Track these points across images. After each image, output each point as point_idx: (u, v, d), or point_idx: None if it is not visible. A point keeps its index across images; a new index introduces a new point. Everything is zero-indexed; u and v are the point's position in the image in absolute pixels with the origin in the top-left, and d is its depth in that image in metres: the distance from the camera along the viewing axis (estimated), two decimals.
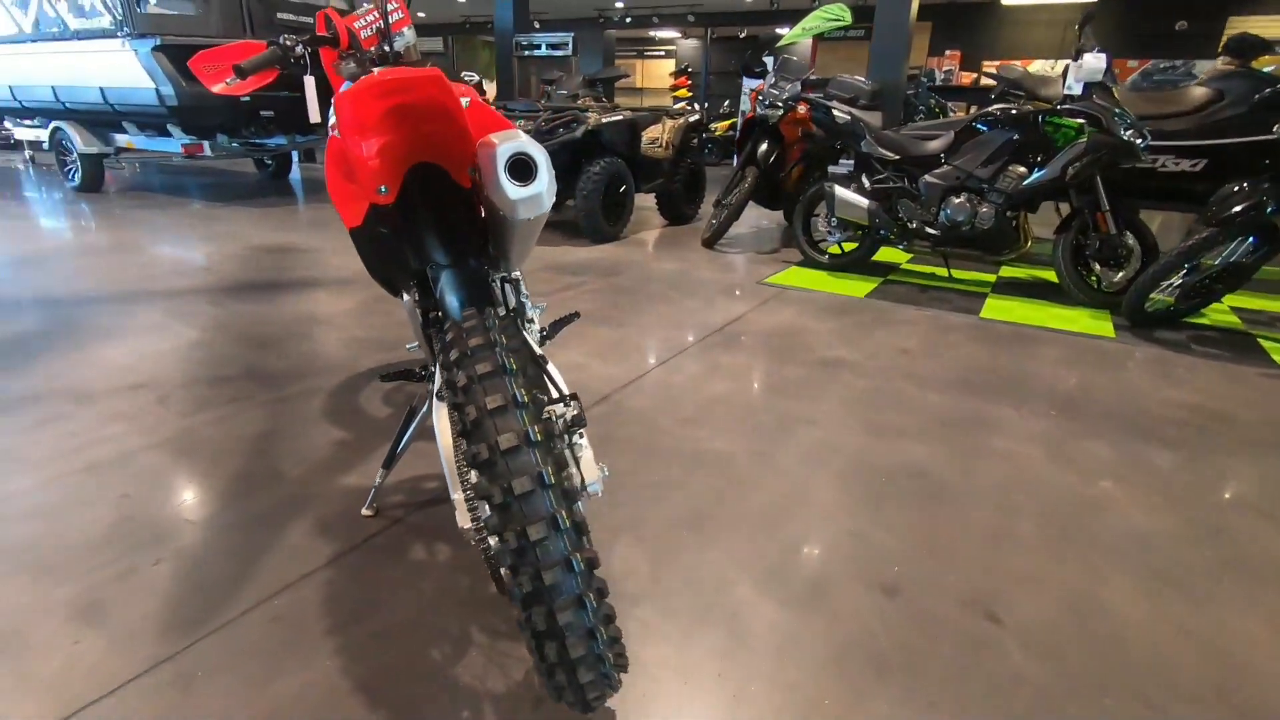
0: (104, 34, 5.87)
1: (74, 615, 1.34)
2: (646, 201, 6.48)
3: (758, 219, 6.30)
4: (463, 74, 6.18)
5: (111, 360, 2.63)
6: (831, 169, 4.94)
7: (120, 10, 5.67)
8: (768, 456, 2.02)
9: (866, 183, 4.12)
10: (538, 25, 14.29)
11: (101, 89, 6.17)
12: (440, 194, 1.22)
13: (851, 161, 4.25)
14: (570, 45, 7.60)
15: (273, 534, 1.61)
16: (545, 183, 1.05)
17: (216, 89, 1.53)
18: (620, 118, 5.10)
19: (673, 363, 2.73)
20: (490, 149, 1.02)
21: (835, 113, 4.21)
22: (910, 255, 4.85)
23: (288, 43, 1.49)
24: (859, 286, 4.00)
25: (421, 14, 15.66)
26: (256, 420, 2.17)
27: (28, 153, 9.13)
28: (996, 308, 3.63)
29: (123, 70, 5.81)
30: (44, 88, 6.61)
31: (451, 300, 1.32)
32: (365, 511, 1.69)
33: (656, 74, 17.66)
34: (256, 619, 1.34)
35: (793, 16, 4.83)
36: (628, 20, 14.77)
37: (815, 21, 5.12)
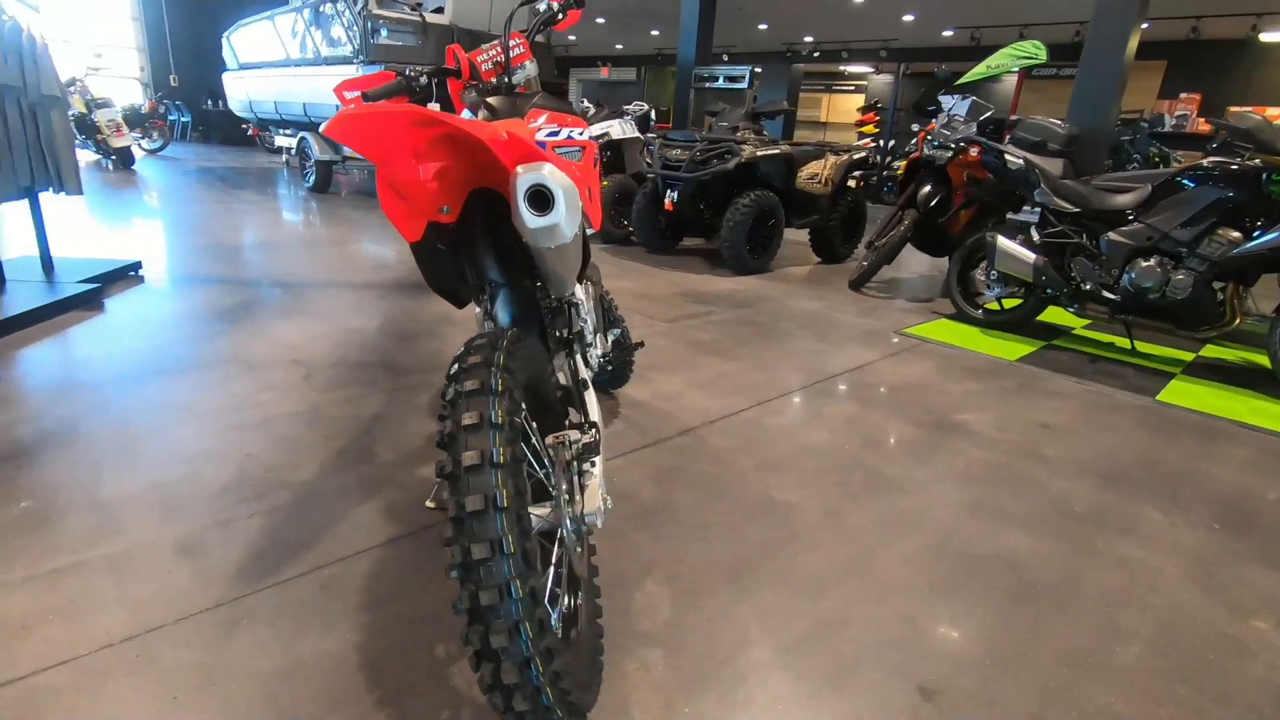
0: (344, 60, 6.89)
1: (176, 550, 1.57)
2: (801, 237, 6.32)
3: (922, 265, 5.91)
4: (633, 103, 6.47)
5: (283, 337, 3.06)
6: (1012, 217, 4.52)
7: (359, 41, 6.63)
8: (840, 517, 1.88)
9: (1036, 235, 3.71)
10: (725, 58, 14.59)
11: (337, 107, 7.23)
12: (497, 218, 1.29)
13: (1036, 211, 3.84)
14: (747, 79, 7.66)
15: (348, 508, 1.77)
16: (563, 214, 1.08)
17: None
18: (776, 151, 5.05)
19: (774, 404, 2.63)
20: (514, 179, 1.06)
21: (1008, 157, 3.85)
22: (1087, 320, 4.28)
23: (412, 73, 1.67)
24: (1013, 348, 3.61)
25: (619, 45, 16.65)
26: (374, 404, 2.41)
27: (284, 157, 10.92)
28: (1182, 391, 3.10)
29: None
30: (297, 104, 7.87)
31: (502, 316, 1.39)
32: (429, 503, 1.80)
33: (843, 109, 17.25)
34: (307, 583, 1.49)
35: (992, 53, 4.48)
36: (815, 55, 14.60)
37: (1004, 59, 4.73)
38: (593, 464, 1.22)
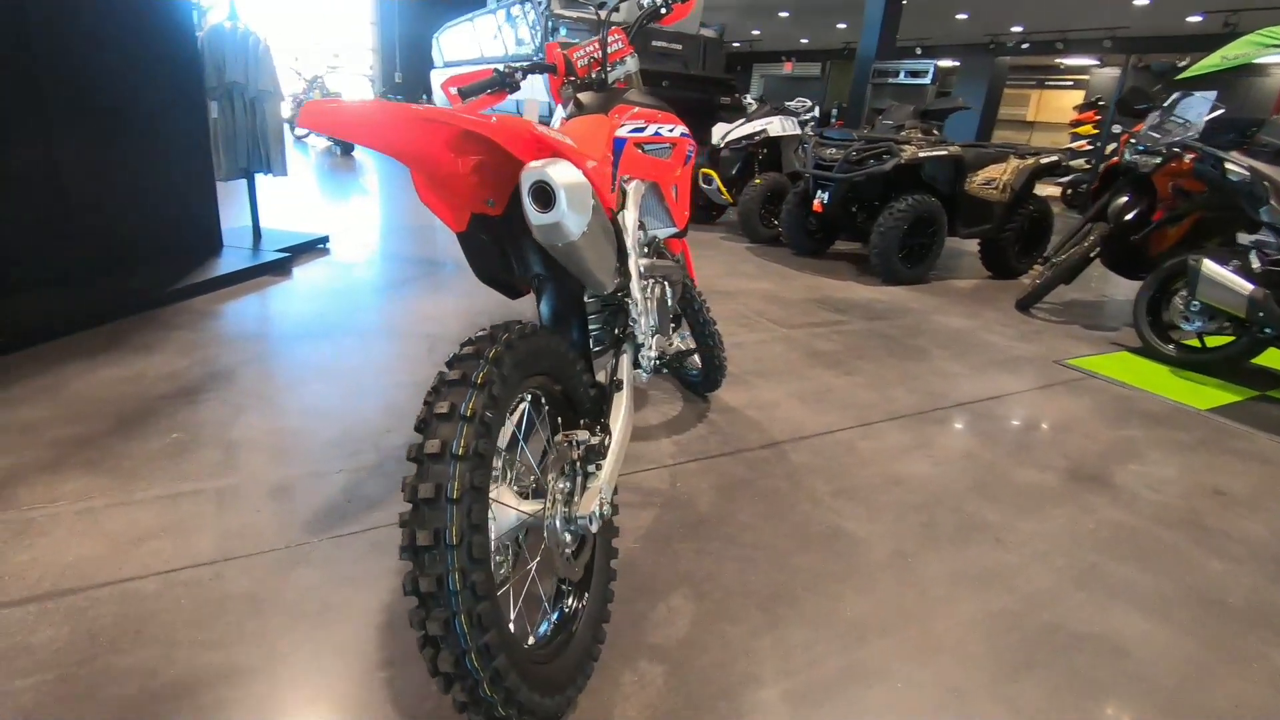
0: (526, 58, 7.36)
1: (270, 492, 1.79)
2: (971, 247, 5.75)
3: (1113, 288, 5.13)
4: (796, 100, 6.23)
5: (424, 310, 3.34)
6: (1244, 239, 3.79)
7: (539, 39, 7.03)
8: (910, 561, 1.69)
9: (1256, 261, 3.07)
10: (919, 52, 13.57)
11: (517, 101, 7.75)
12: None
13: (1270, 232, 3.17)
14: (930, 74, 7.08)
15: None
16: (564, 212, 1.06)
17: (460, 108, 1.86)
18: (943, 152, 4.63)
19: (877, 427, 2.43)
20: (521, 175, 1.06)
21: (1228, 166, 3.21)
22: None
23: (506, 70, 1.73)
24: (1209, 395, 3.02)
25: (804, 40, 16.11)
26: None
27: None
28: None
29: (530, 87, 7.21)
30: None
31: (543, 310, 1.41)
32: None
33: (1054, 106, 15.36)
34: (362, 540, 1.62)
35: None
36: (1024, 46, 13.11)
37: (1245, 47, 3.94)
38: (598, 467, 1.20)
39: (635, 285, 1.53)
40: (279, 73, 4.04)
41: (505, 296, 1.57)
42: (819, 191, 4.91)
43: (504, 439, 1.22)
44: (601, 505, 1.16)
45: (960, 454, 2.28)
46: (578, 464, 1.19)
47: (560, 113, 1.85)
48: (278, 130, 4.05)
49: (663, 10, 1.88)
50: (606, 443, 1.23)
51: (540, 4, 7.02)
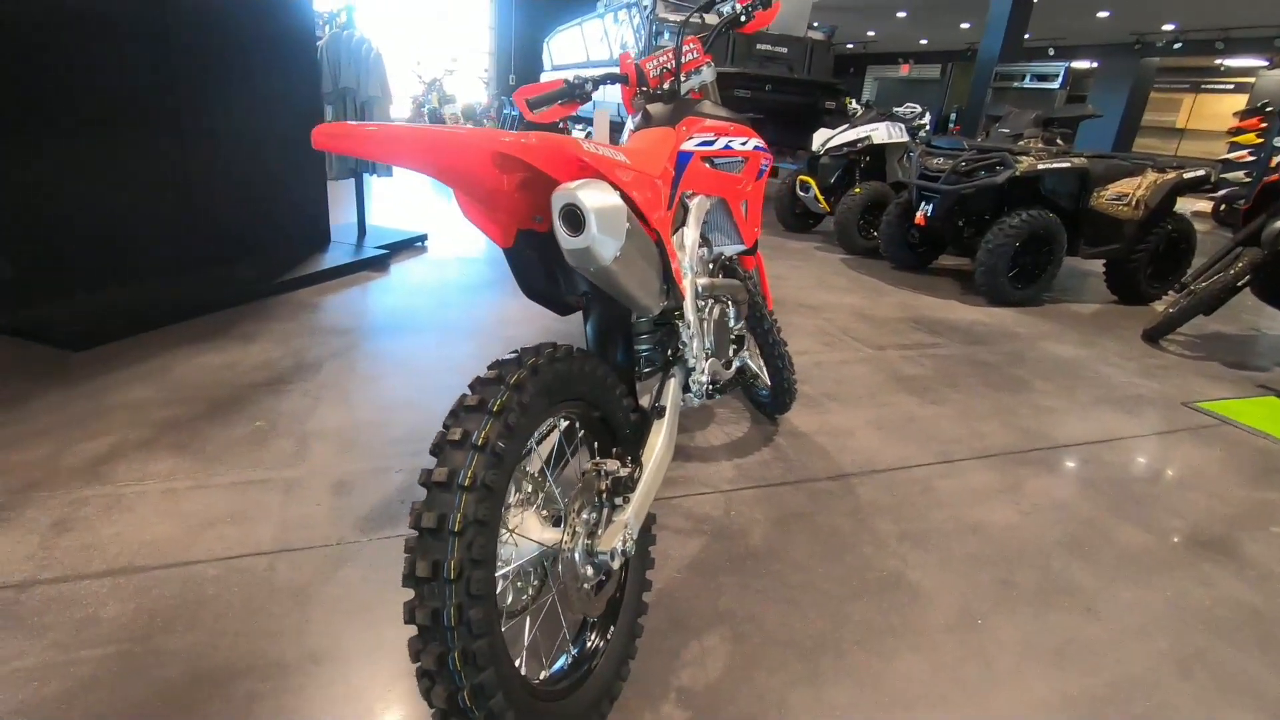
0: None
1: (333, 486, 1.85)
2: (1095, 268, 5.24)
3: (1268, 320, 4.54)
4: (905, 106, 5.90)
5: (507, 312, 3.41)
6: None
7: (643, 43, 7.05)
8: (979, 622, 1.53)
9: None
10: (1051, 53, 12.56)
11: (617, 105, 7.82)
12: None
13: None
14: (1061, 77, 6.52)
15: None
16: (594, 236, 1.01)
17: (530, 117, 1.86)
18: (1066, 165, 4.24)
19: (961, 465, 2.24)
20: (552, 197, 1.02)
21: None
22: None
23: (576, 80, 1.71)
24: None
25: (924, 40, 15.30)
26: None
27: None
28: None
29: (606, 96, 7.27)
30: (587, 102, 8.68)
31: (590, 329, 1.37)
32: None
33: (1210, 112, 13.80)
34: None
35: None
36: (1177, 45, 11.85)
37: None
38: (625, 500, 1.15)
39: (689, 306, 1.47)
40: (390, 78, 4.25)
41: (555, 313, 1.54)
42: (923, 203, 4.63)
43: (535, 464, 1.20)
44: (625, 542, 1.10)
45: (1054, 504, 2.05)
46: (604, 495, 1.14)
47: (630, 125, 1.81)
48: None
49: (742, 19, 1.80)
50: (636, 475, 1.18)
51: (645, 8, 7.04)
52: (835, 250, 5.60)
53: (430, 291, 3.68)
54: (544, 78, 11.13)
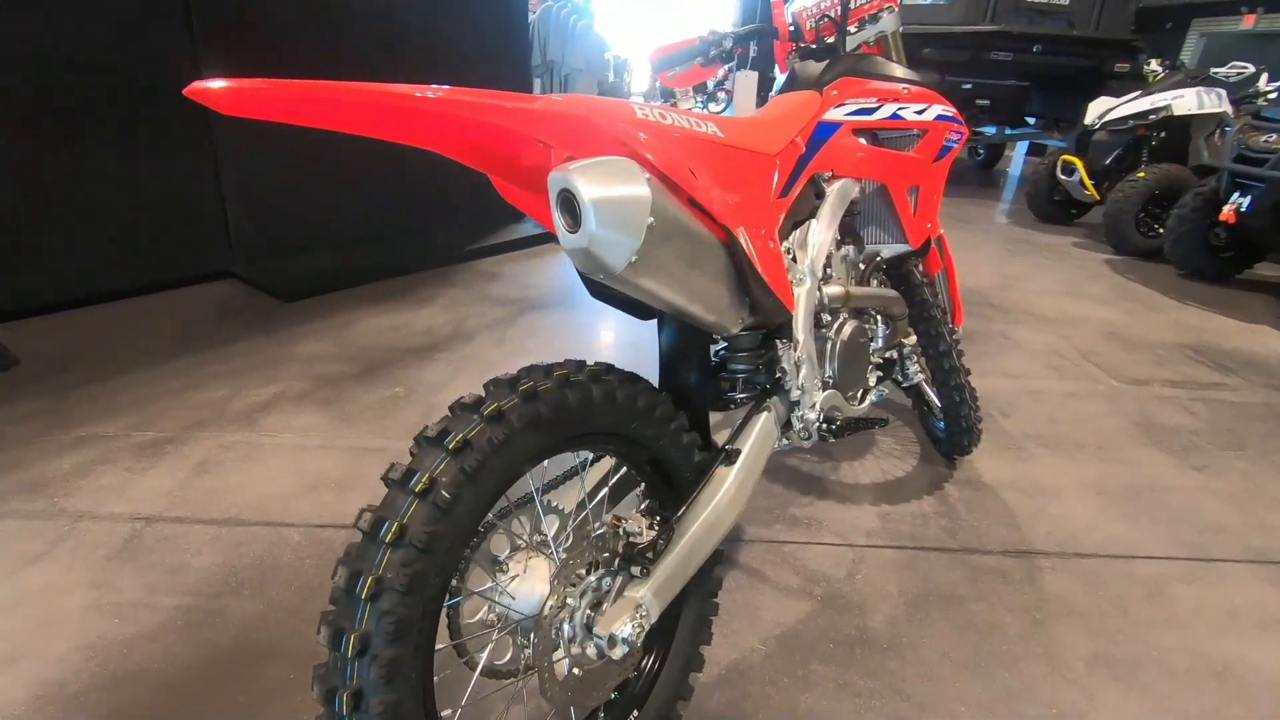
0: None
1: None
2: None
3: None
4: (1230, 65, 4.49)
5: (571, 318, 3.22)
6: None
7: None
8: None
9: None
10: None
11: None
12: None
13: None
14: None
15: None
16: (592, 234, 0.74)
17: (664, 82, 1.60)
18: None
19: (1221, 568, 1.59)
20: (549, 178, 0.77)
21: None
22: None
23: (712, 36, 1.42)
24: None
25: None
26: None
27: None
28: None
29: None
30: None
31: (662, 342, 1.11)
32: None
33: None
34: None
35: None
36: None
37: None
38: (644, 572, 0.89)
39: (800, 322, 1.14)
40: (598, 52, 4.23)
41: (635, 318, 1.30)
42: (1236, 194, 3.51)
43: (571, 500, 0.99)
44: (632, 630, 0.85)
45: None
46: (617, 560, 0.90)
47: (779, 83, 1.48)
48: None
49: None
50: (661, 544, 0.91)
51: None
52: (1100, 248, 4.54)
53: None
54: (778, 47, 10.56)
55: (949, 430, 1.83)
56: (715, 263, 0.92)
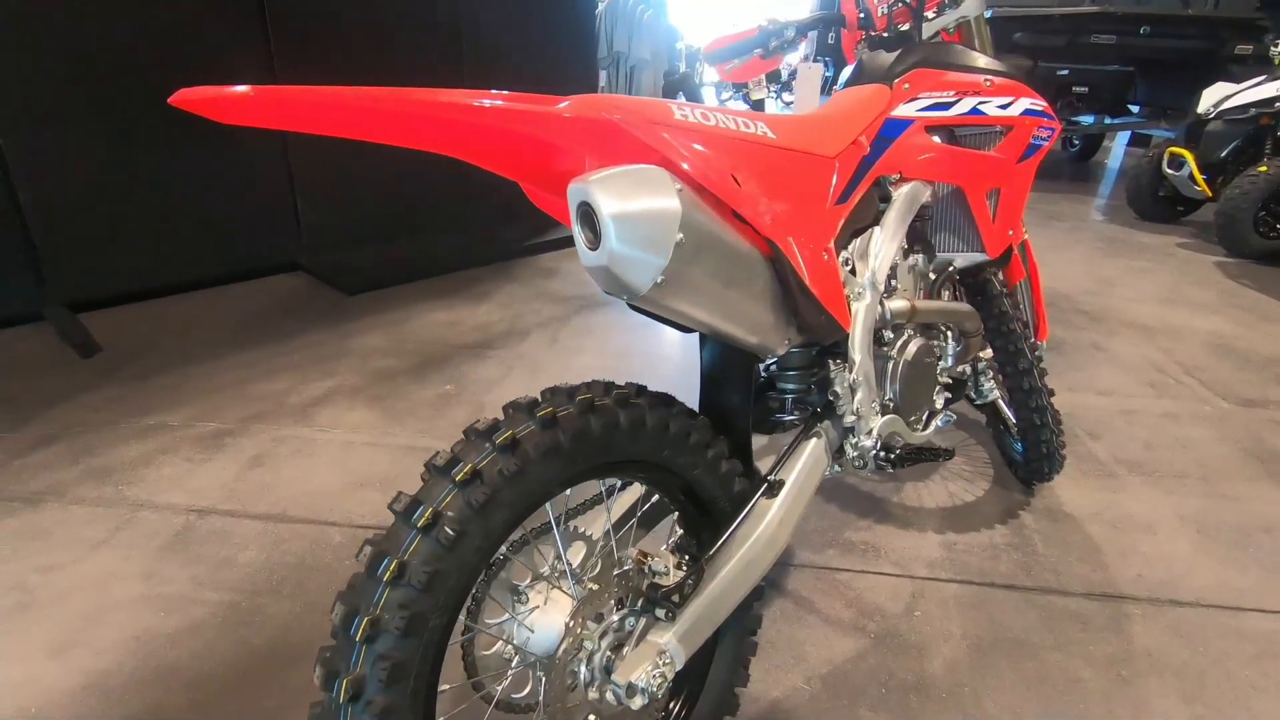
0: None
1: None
2: None
3: None
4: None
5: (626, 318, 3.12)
6: None
7: None
8: None
9: None
10: None
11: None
12: None
13: None
14: None
15: None
16: (611, 251, 0.66)
17: (723, 75, 1.51)
18: None
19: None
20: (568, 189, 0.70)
21: None
22: None
23: (771, 25, 1.31)
24: None
25: None
26: None
27: None
28: None
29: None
30: None
31: (704, 358, 1.03)
32: None
33: None
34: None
35: None
36: None
37: None
38: (669, 616, 0.82)
39: (858, 341, 1.03)
40: (668, 42, 4.14)
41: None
42: None
43: (598, 528, 0.93)
44: (658, 681, 0.78)
45: None
46: (640, 600, 0.83)
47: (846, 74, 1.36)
48: (651, 95, 4.18)
49: None
50: (690, 586, 0.84)
51: None
52: (1210, 250, 4.14)
53: None
54: (845, 36, 10.16)
55: (1027, 454, 1.67)
56: (758, 280, 0.84)
